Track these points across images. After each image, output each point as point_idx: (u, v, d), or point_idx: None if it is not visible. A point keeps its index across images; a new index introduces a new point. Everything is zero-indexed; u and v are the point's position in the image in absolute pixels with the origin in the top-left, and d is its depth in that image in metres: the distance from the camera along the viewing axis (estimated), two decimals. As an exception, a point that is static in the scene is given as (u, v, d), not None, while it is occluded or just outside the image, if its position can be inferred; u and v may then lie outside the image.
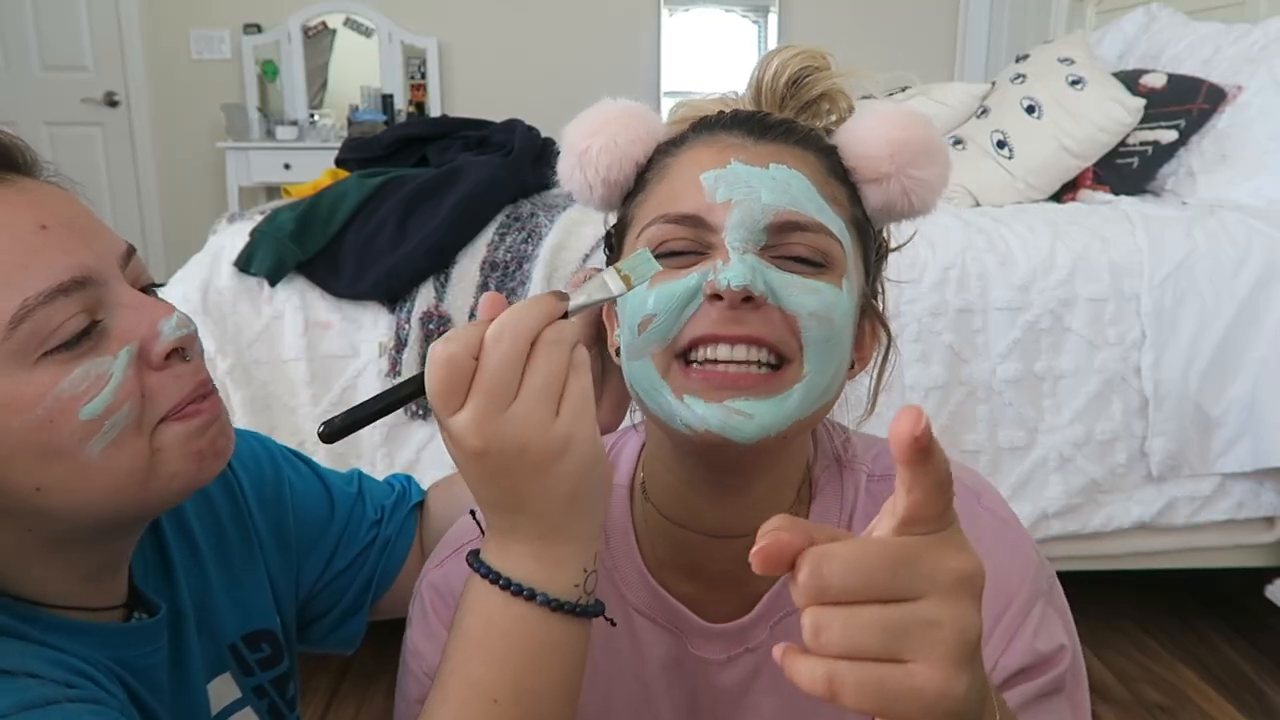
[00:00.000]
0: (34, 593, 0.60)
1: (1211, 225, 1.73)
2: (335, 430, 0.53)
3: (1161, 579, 2.07)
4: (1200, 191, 2.05)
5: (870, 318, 0.66)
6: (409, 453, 1.60)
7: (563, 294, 0.54)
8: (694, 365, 0.58)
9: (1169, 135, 2.10)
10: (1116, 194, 2.08)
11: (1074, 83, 2.12)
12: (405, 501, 0.90)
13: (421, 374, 0.52)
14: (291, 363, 1.59)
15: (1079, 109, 2.08)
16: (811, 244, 0.59)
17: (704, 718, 0.69)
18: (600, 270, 0.57)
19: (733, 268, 0.56)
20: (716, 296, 0.56)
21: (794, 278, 0.58)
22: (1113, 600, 2.05)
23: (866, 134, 0.63)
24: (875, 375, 0.69)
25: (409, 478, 0.94)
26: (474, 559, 0.56)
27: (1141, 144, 2.11)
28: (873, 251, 0.66)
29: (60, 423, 0.55)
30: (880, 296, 0.69)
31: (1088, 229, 1.73)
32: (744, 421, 0.56)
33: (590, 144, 0.65)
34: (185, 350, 0.61)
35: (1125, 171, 2.12)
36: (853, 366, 0.65)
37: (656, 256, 0.58)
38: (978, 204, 2.09)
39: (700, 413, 0.57)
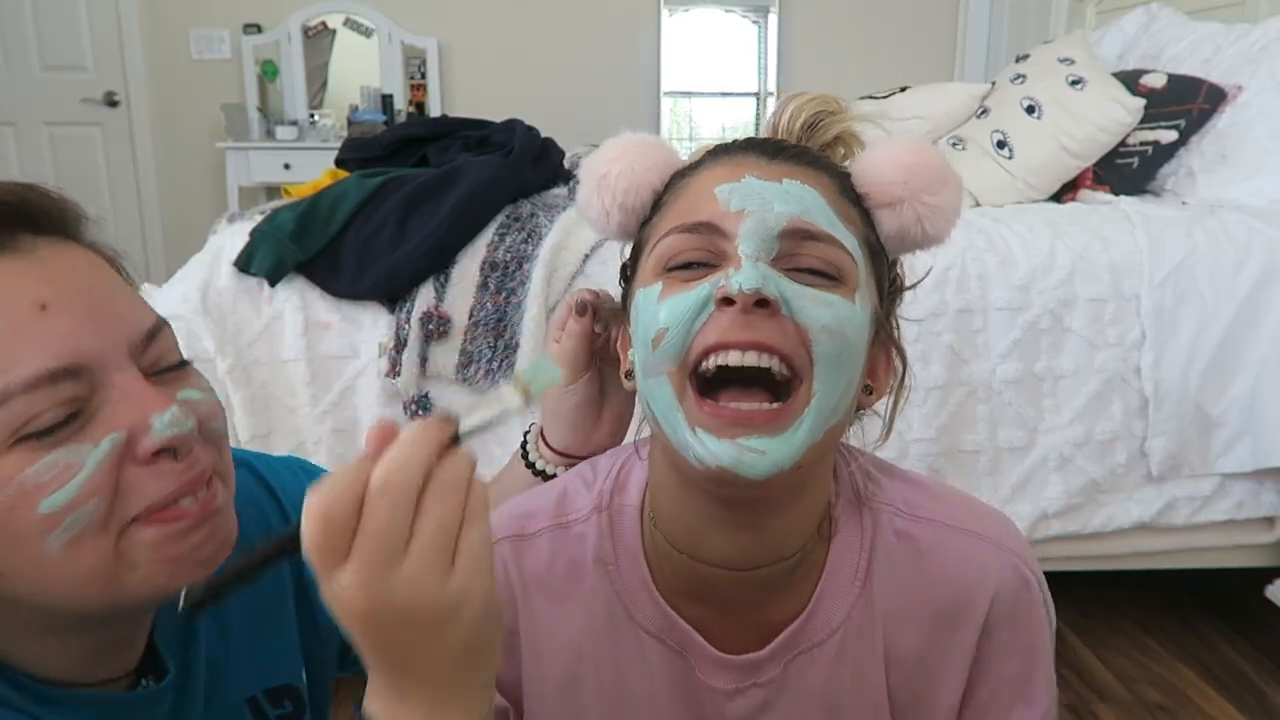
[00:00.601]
0: (34, 667, 0.57)
1: (1211, 225, 1.73)
2: (197, 600, 0.48)
3: (1161, 579, 2.07)
4: (1200, 191, 2.05)
5: (884, 345, 0.65)
6: (409, 453, 1.60)
7: (450, 418, 0.49)
8: (707, 400, 0.57)
9: (1169, 135, 2.10)
10: (1116, 194, 2.08)
11: (1074, 83, 2.12)
12: None
13: (298, 527, 0.47)
14: (291, 363, 1.59)
15: (1079, 109, 2.08)
16: (824, 255, 0.58)
17: None
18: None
19: (745, 271, 0.55)
20: (727, 301, 0.55)
21: (807, 289, 0.57)
22: (1113, 600, 2.05)
23: (880, 159, 0.64)
24: (891, 403, 0.68)
25: None
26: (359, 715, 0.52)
27: (1141, 144, 2.11)
28: (886, 278, 0.66)
29: (20, 511, 0.51)
30: (896, 331, 0.68)
31: (1088, 229, 1.73)
32: (756, 459, 0.55)
33: (609, 169, 0.66)
34: (177, 450, 0.55)
35: (1125, 171, 2.12)
36: (871, 392, 0.65)
37: (670, 269, 0.59)
38: (978, 204, 2.09)
39: (713, 449, 0.56)
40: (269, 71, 4.55)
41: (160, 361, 0.57)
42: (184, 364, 0.59)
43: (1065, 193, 2.14)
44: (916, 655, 0.66)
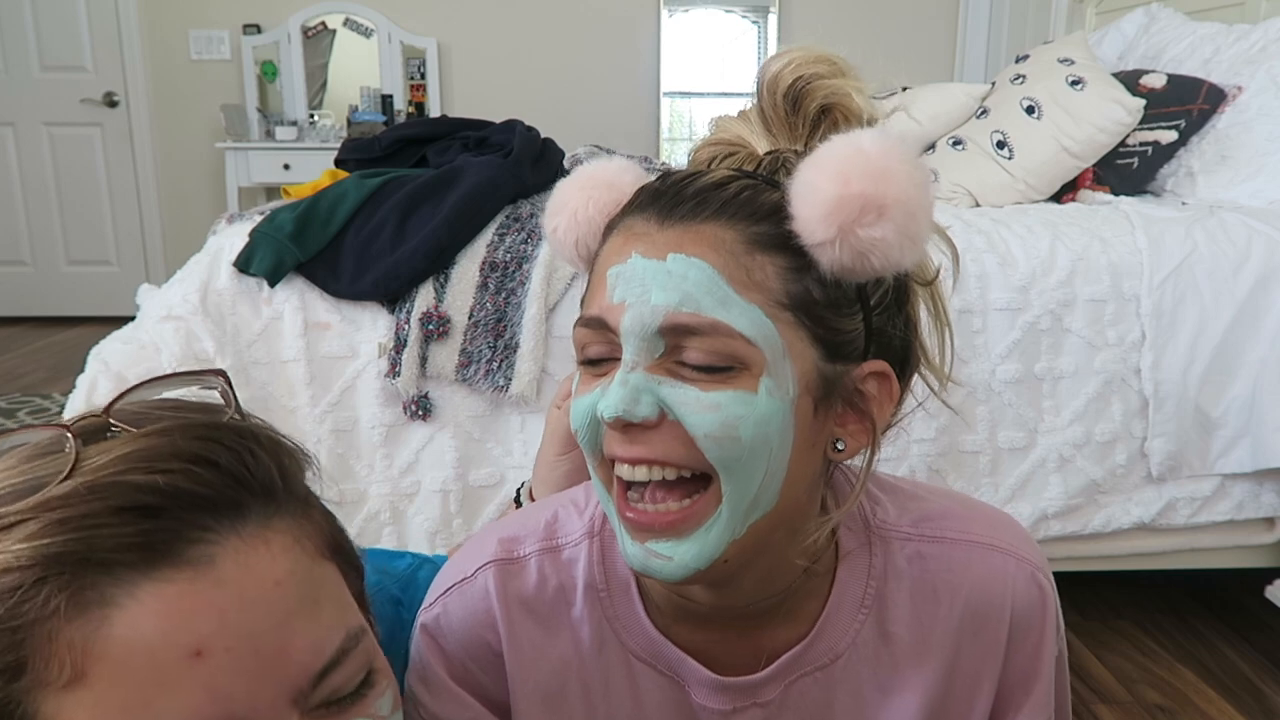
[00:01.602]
0: None
1: (1211, 226, 1.73)
2: None
3: (1161, 580, 2.07)
4: (1200, 192, 2.05)
5: (842, 401, 0.58)
6: (408, 454, 1.59)
7: None
8: (625, 500, 0.57)
9: (1169, 136, 2.10)
10: (1116, 194, 2.08)
11: (1074, 83, 2.12)
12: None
13: None
14: (291, 363, 1.58)
15: (1079, 109, 2.08)
16: (710, 348, 0.53)
17: None
18: None
19: (610, 395, 0.53)
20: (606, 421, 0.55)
21: (692, 392, 0.53)
22: (1112, 601, 2.04)
23: (802, 191, 0.54)
24: (865, 466, 0.61)
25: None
26: None
27: (1141, 144, 2.11)
28: (845, 317, 0.57)
29: None
30: (917, 337, 0.62)
31: (1087, 230, 1.73)
32: (664, 564, 0.55)
33: (556, 224, 0.64)
34: None
35: (1125, 172, 2.12)
36: (841, 449, 0.59)
37: (583, 363, 0.58)
38: (977, 204, 2.09)
39: (629, 550, 0.57)
40: (269, 72, 4.56)
41: (346, 685, 0.48)
42: (366, 684, 0.50)
43: (1065, 193, 2.14)
44: (938, 677, 0.65)
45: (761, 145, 0.62)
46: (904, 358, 0.61)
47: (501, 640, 0.66)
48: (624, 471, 0.56)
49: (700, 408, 0.53)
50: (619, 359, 0.55)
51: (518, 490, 0.87)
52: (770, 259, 0.55)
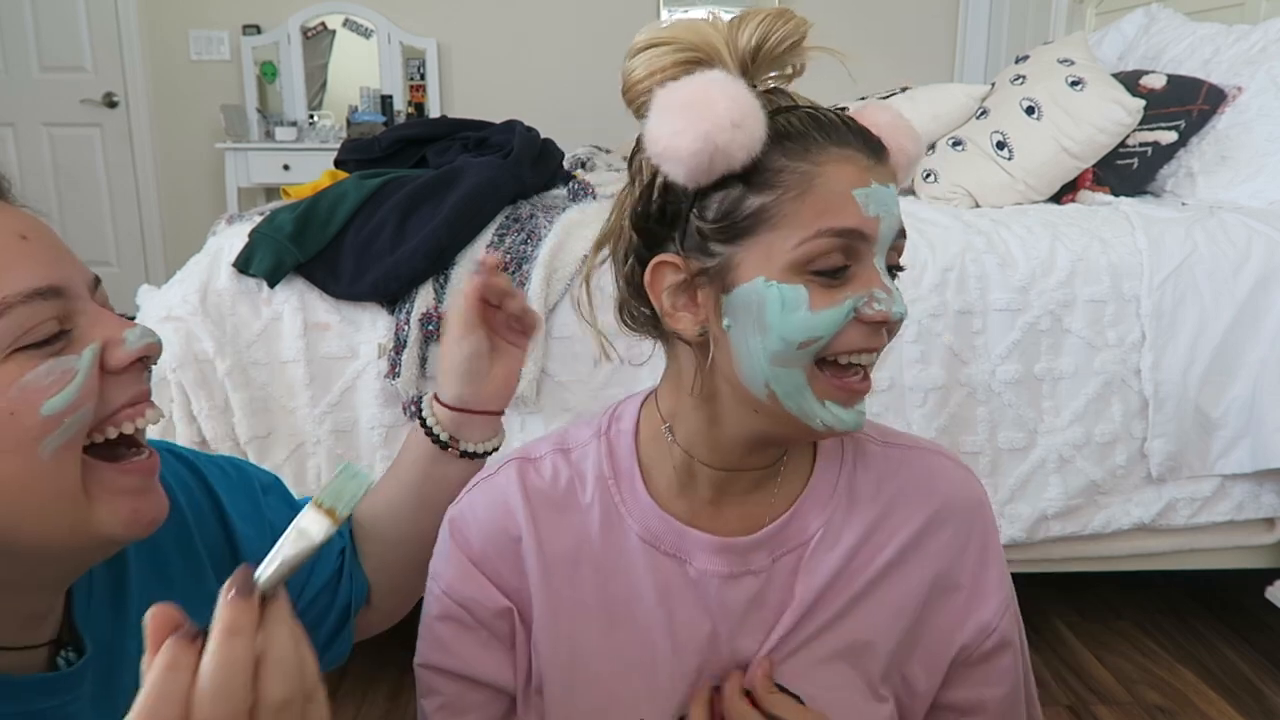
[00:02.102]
0: None
1: (1211, 226, 1.73)
2: None
3: (1161, 580, 2.07)
4: (1200, 192, 2.05)
5: None
6: (408, 454, 1.59)
7: (249, 579, 0.48)
8: (831, 374, 0.67)
9: (1169, 136, 2.10)
10: (1116, 195, 2.08)
11: (1074, 84, 2.12)
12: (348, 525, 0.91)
13: None
14: (290, 364, 1.58)
15: (1079, 110, 2.08)
16: (902, 250, 0.69)
17: (703, 645, 0.74)
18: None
19: (898, 300, 0.65)
20: (877, 321, 0.65)
21: (898, 291, 0.67)
22: (1112, 601, 2.05)
23: (901, 140, 0.70)
24: None
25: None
26: None
27: (1141, 145, 2.11)
28: None
29: (21, 415, 0.55)
30: None
31: (1087, 230, 1.73)
32: (860, 418, 0.68)
33: (733, 136, 0.62)
34: (148, 359, 0.62)
35: (1125, 172, 2.12)
36: None
37: (816, 273, 0.64)
38: (977, 205, 2.09)
39: (843, 417, 0.67)
40: (268, 72, 4.55)
41: (105, 308, 0.63)
42: (127, 317, 0.66)
43: (1064, 194, 2.14)
44: (895, 558, 0.76)
45: (726, 58, 0.66)
46: None
47: (520, 527, 0.75)
48: (863, 359, 0.67)
49: (905, 302, 0.67)
50: (847, 267, 0.65)
51: (419, 402, 0.91)
52: None
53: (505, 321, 0.89)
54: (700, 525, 0.74)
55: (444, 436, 0.88)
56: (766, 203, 0.64)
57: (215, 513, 0.80)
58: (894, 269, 0.69)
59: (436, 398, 0.90)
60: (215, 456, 0.85)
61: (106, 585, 0.70)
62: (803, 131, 0.65)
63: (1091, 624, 1.97)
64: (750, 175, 0.64)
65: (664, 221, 0.68)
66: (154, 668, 0.46)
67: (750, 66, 0.66)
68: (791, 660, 0.74)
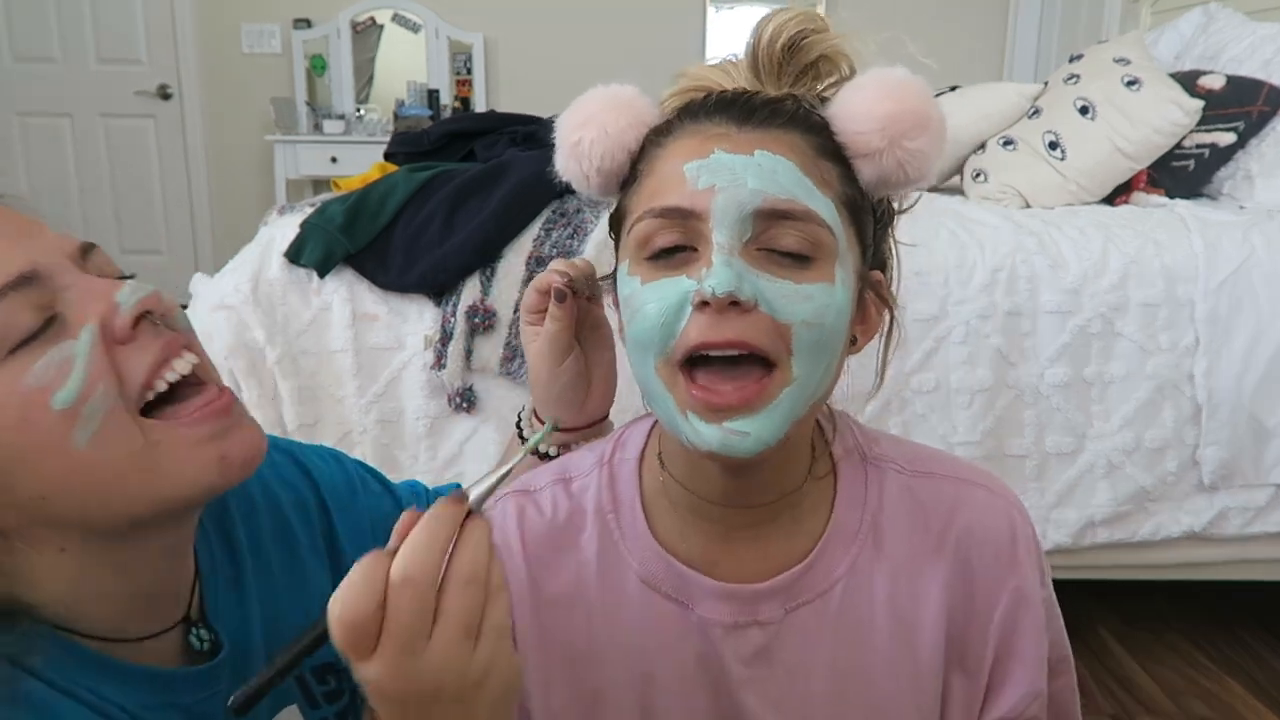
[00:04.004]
0: (76, 622, 0.58)
1: (1270, 230, 1.69)
2: (249, 699, 0.49)
3: (1211, 590, 2.03)
4: (1258, 195, 2.00)
5: (872, 291, 0.66)
6: (452, 445, 1.61)
7: (461, 496, 0.52)
8: (695, 382, 0.58)
9: (1227, 138, 2.05)
10: (1171, 197, 2.04)
11: (1129, 83, 2.08)
12: None
13: (326, 623, 0.49)
14: (339, 354, 1.60)
15: (1135, 110, 2.04)
16: (800, 233, 0.58)
17: (706, 700, 0.68)
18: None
19: (718, 274, 0.55)
20: (705, 303, 0.56)
21: (786, 285, 0.57)
22: (1160, 611, 2.01)
23: (857, 108, 0.61)
24: (882, 347, 0.69)
25: (456, 486, 0.94)
26: None
27: (1198, 146, 2.06)
28: (870, 225, 0.65)
29: (35, 419, 0.53)
30: (891, 260, 0.70)
31: (1141, 232, 1.70)
32: (740, 439, 0.57)
33: (582, 136, 0.65)
34: (153, 313, 0.59)
35: (1180, 174, 2.08)
36: (855, 341, 0.65)
37: (648, 258, 0.60)
38: (1028, 205, 2.06)
39: (703, 433, 0.58)
40: (318, 66, 4.61)
41: (105, 273, 0.60)
42: (127, 276, 0.61)
43: (1118, 195, 2.10)
44: (931, 609, 0.67)
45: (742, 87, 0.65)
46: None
47: (514, 571, 0.69)
48: (723, 354, 0.58)
49: (795, 298, 0.57)
50: (693, 248, 0.58)
51: (518, 415, 0.87)
52: (831, 165, 0.61)
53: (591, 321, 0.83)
54: (708, 566, 0.67)
55: (553, 452, 0.83)
56: (625, 196, 0.65)
57: (318, 503, 0.79)
58: (792, 255, 0.58)
59: (536, 416, 0.84)
60: (314, 446, 0.84)
61: (229, 577, 0.70)
62: (670, 119, 0.64)
63: (1138, 633, 1.93)
64: (630, 174, 0.65)
65: (613, 227, 0.69)
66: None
67: (762, 70, 0.65)
68: None
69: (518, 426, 0.87)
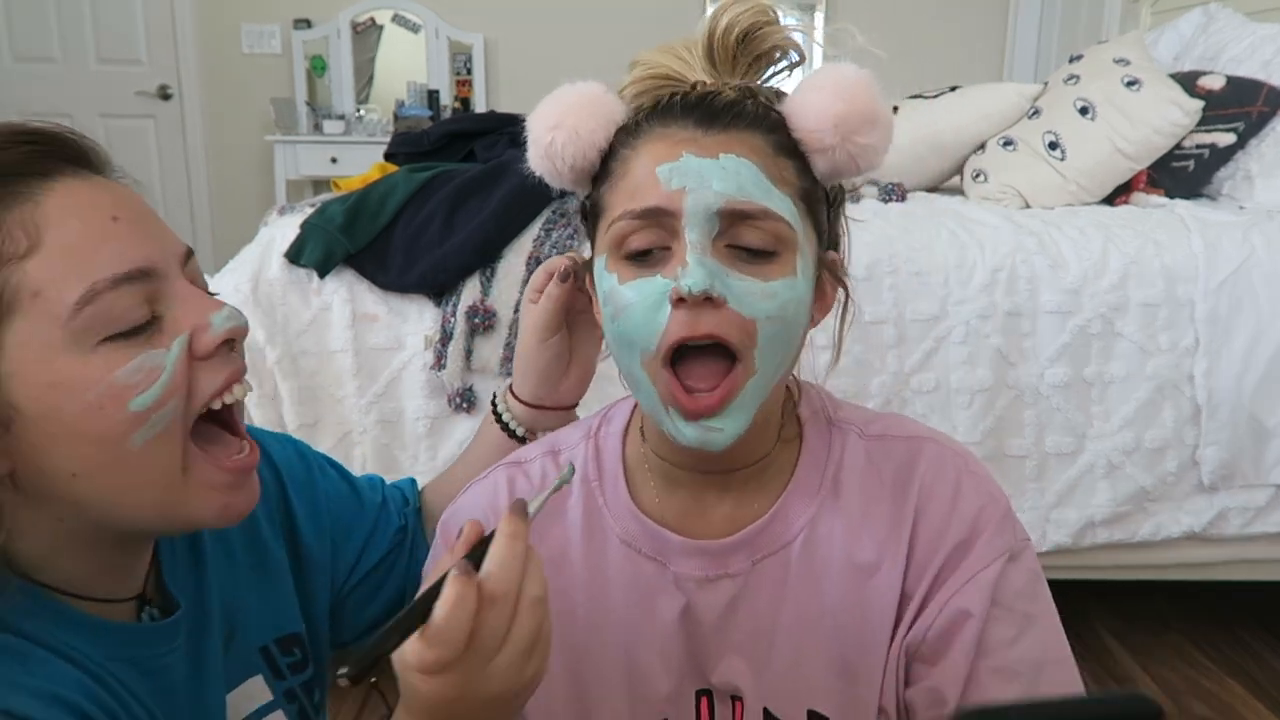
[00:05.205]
0: (55, 580, 0.61)
1: (1270, 230, 1.69)
2: (362, 671, 0.51)
3: (1211, 590, 2.03)
4: (1258, 196, 2.00)
5: (827, 271, 0.71)
6: (452, 446, 1.61)
7: (523, 509, 0.56)
8: (677, 378, 0.63)
9: (1227, 138, 2.05)
10: (1171, 197, 2.04)
11: (1129, 84, 2.08)
12: (412, 506, 0.93)
13: (425, 603, 0.52)
14: (339, 354, 1.60)
15: (1134, 111, 2.04)
16: (762, 229, 0.63)
17: (683, 650, 0.72)
18: None
19: (693, 272, 0.60)
20: (682, 300, 0.61)
21: (753, 283, 0.62)
22: (1160, 611, 2.01)
23: (811, 108, 0.66)
24: (838, 324, 0.74)
25: (412, 480, 0.96)
26: None
27: (1198, 147, 2.06)
28: (824, 212, 0.70)
29: (110, 410, 0.56)
30: (842, 239, 0.75)
31: (1141, 233, 1.70)
32: (716, 435, 0.64)
33: (554, 137, 0.68)
34: (234, 342, 0.63)
35: (1180, 175, 2.08)
36: (813, 320, 0.70)
37: (625, 257, 0.64)
38: (1027, 205, 2.06)
39: (683, 429, 0.64)
40: (318, 66, 4.61)
41: (197, 281, 0.64)
42: (212, 293, 0.65)
43: (1118, 195, 2.10)
44: (875, 561, 0.70)
45: (697, 77, 0.68)
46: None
47: None
48: (700, 347, 0.63)
49: (761, 296, 0.62)
50: (666, 248, 0.63)
51: (494, 396, 0.92)
52: (788, 161, 0.66)
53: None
54: (683, 528, 0.72)
55: (520, 431, 0.89)
56: (598, 194, 0.69)
57: (275, 481, 0.81)
58: (756, 251, 0.63)
59: (512, 392, 0.90)
60: (275, 434, 0.87)
61: (186, 552, 0.73)
62: (637, 119, 0.68)
63: (1138, 634, 1.93)
64: (600, 170, 0.69)
65: (585, 217, 0.72)
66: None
67: (716, 59, 0.69)
68: (781, 677, 0.71)
69: (494, 406, 0.92)
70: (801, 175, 0.67)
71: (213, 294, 0.65)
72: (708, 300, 0.61)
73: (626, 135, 0.68)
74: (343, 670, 0.50)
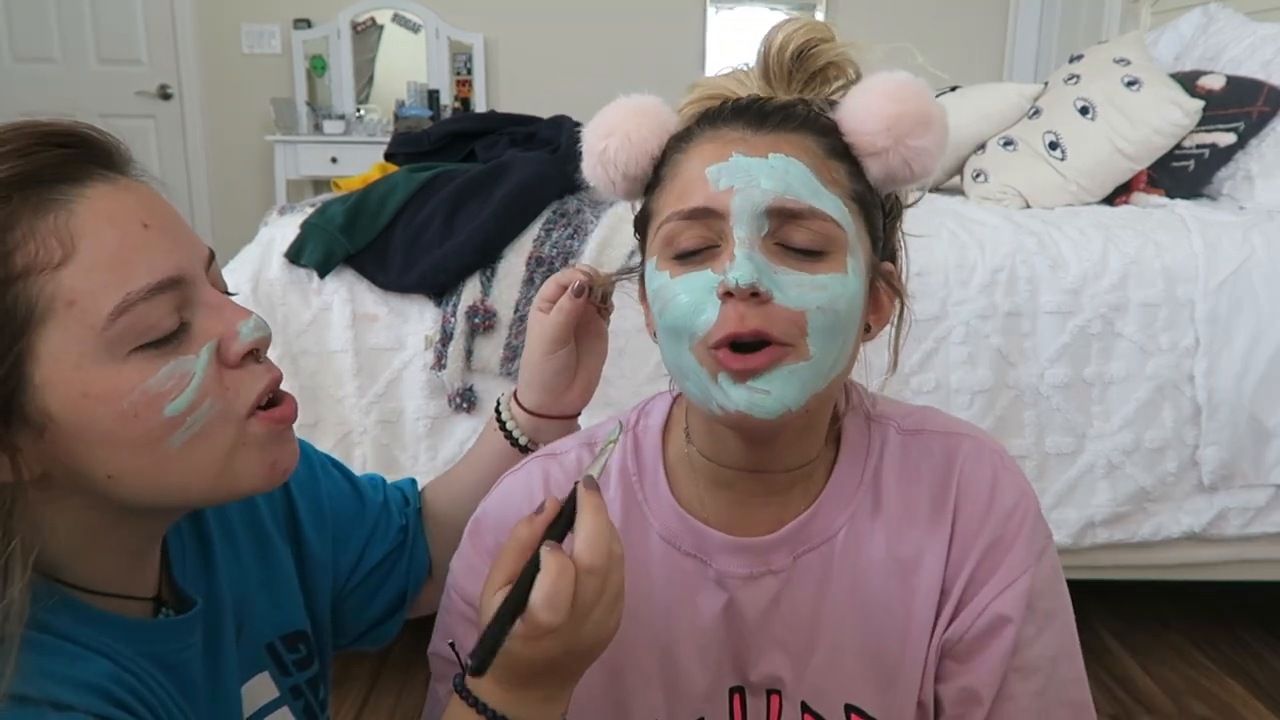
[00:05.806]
0: (76, 579, 0.62)
1: (1270, 230, 1.69)
2: (485, 664, 0.55)
3: (1211, 590, 2.03)
4: (1259, 196, 2.00)
5: (883, 281, 0.70)
6: (452, 446, 1.61)
7: (593, 480, 0.61)
8: (723, 352, 0.63)
9: (1227, 138, 2.05)
10: (1171, 197, 2.04)
11: (1130, 84, 2.08)
12: (413, 507, 0.93)
13: (524, 585, 0.57)
14: (339, 354, 1.60)
15: (1135, 111, 2.04)
16: (811, 229, 0.63)
17: (723, 647, 0.73)
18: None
19: (740, 266, 0.60)
20: (729, 294, 0.61)
21: (801, 276, 0.62)
22: (1160, 611, 2.01)
23: (863, 111, 0.66)
24: (894, 334, 0.74)
25: (412, 480, 0.96)
26: (473, 698, 0.60)
27: (1198, 147, 2.06)
28: (879, 219, 0.69)
29: (145, 417, 0.57)
30: (900, 252, 0.74)
31: (1141, 233, 1.70)
32: (763, 398, 0.62)
33: (607, 144, 0.70)
34: (259, 352, 0.64)
35: (1180, 175, 2.08)
36: (869, 329, 0.70)
37: (676, 257, 0.65)
38: (1028, 205, 2.06)
39: (731, 394, 0.62)
40: (318, 66, 4.61)
41: (218, 284, 0.64)
42: (229, 294, 0.66)
43: (1118, 195, 2.10)
44: (914, 558, 0.71)
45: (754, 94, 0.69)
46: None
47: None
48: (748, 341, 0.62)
49: (809, 288, 0.62)
50: (714, 247, 0.63)
51: (498, 401, 0.92)
52: (839, 164, 0.66)
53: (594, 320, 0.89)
54: (724, 526, 0.73)
55: (523, 440, 0.89)
56: (651, 199, 0.70)
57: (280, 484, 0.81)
58: (804, 250, 0.63)
59: (516, 399, 0.90)
60: None
61: (196, 550, 0.73)
62: (689, 126, 0.69)
63: (1138, 634, 1.93)
64: (653, 178, 0.70)
65: (638, 229, 0.73)
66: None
67: (772, 76, 0.69)
68: (821, 672, 0.72)
69: (496, 413, 0.92)
70: (854, 179, 0.66)
71: (231, 294, 0.65)
72: (754, 296, 0.61)
73: (678, 141, 0.69)
74: (470, 666, 0.55)
